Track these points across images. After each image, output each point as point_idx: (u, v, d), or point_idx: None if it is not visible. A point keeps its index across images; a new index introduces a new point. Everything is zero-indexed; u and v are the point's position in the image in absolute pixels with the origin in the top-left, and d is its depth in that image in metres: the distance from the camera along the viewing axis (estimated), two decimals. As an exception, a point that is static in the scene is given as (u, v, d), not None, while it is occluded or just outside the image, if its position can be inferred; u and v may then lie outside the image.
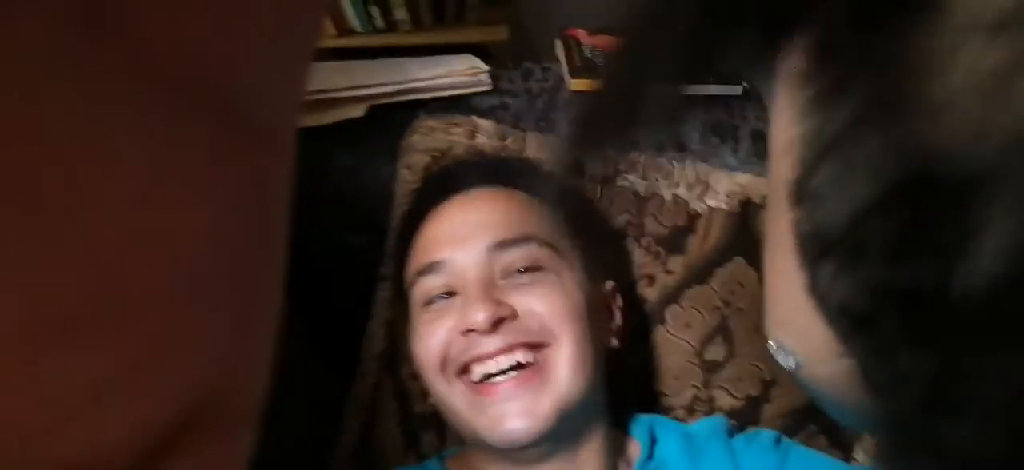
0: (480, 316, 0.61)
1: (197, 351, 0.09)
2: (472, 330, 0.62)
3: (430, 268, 0.66)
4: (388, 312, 0.79)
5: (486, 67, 0.90)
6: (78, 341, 0.07)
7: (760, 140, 0.93)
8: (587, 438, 0.66)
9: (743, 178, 0.85)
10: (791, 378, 0.34)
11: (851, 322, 0.24)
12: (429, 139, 0.83)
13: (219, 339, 0.09)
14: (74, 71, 0.07)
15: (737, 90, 0.93)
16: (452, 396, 0.64)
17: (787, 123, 0.25)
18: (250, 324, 0.10)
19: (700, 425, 0.75)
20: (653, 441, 0.71)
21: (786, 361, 0.33)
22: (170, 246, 0.08)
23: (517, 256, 0.65)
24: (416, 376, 0.78)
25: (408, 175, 0.83)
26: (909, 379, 0.22)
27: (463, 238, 0.67)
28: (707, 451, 0.71)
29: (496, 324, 0.62)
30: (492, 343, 0.62)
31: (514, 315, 0.63)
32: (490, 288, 0.64)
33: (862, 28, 0.20)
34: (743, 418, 0.80)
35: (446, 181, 0.74)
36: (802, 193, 0.24)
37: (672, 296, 0.83)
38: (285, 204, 0.10)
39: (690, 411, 0.81)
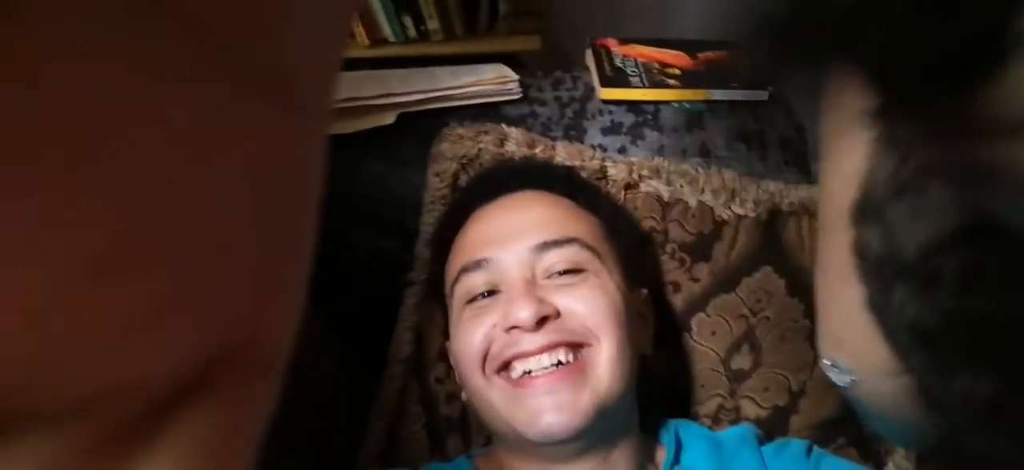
0: (524, 313, 0.62)
1: (227, 294, 0.10)
2: (516, 327, 0.63)
3: (474, 266, 0.67)
4: (416, 317, 0.80)
5: (516, 76, 0.91)
6: (121, 273, 0.08)
7: (788, 148, 0.93)
8: (619, 441, 0.67)
9: (771, 185, 0.85)
10: (841, 392, 0.35)
11: (917, 340, 0.25)
12: (458, 146, 0.85)
13: (247, 287, 0.10)
14: (117, 26, 0.08)
15: (763, 96, 0.93)
16: (490, 391, 0.64)
17: (848, 155, 0.26)
18: (278, 281, 0.11)
19: (729, 432, 0.74)
20: (679, 445, 0.71)
21: (840, 378, 0.34)
22: (205, 195, 0.09)
23: (559, 257, 0.66)
24: (441, 380, 0.80)
25: (437, 182, 0.84)
26: (966, 398, 0.23)
27: (507, 238, 0.68)
28: (736, 457, 0.71)
29: (540, 322, 0.62)
30: (534, 341, 0.62)
31: (557, 314, 0.64)
32: (533, 287, 0.65)
33: (936, 84, 0.21)
34: (770, 428, 0.80)
35: (490, 183, 0.75)
36: (871, 217, 0.26)
37: (698, 304, 0.83)
38: (318, 177, 0.11)
39: (716, 420, 0.81)
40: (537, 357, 0.62)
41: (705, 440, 0.72)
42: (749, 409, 0.81)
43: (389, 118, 0.86)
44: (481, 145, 0.85)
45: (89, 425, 0.09)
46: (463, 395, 0.72)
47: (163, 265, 0.09)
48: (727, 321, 0.82)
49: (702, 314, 0.82)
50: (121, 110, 0.08)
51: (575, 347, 0.64)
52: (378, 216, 0.85)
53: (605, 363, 0.63)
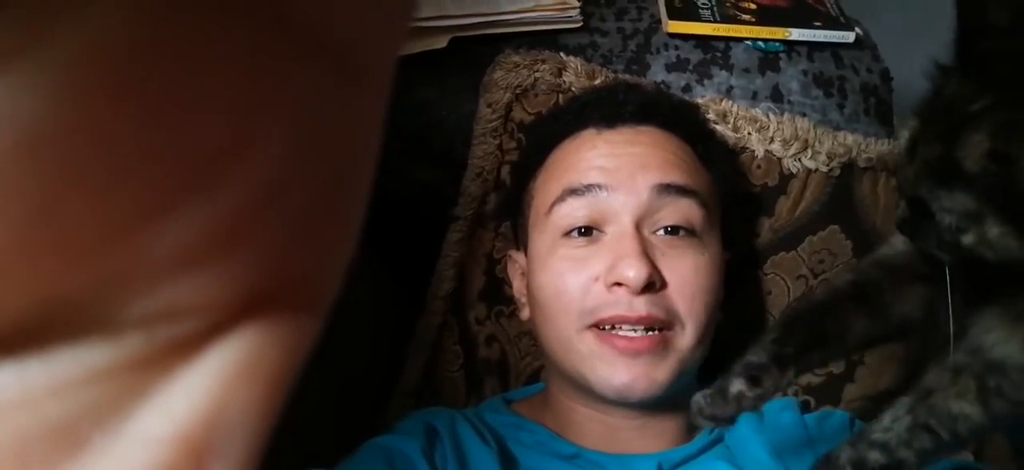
0: (633, 273, 0.58)
1: (278, 237, 0.11)
2: (620, 284, 0.59)
3: (583, 190, 0.62)
4: (458, 253, 0.78)
5: (577, 3, 0.85)
6: (188, 210, 0.10)
7: (870, 96, 0.85)
8: (679, 403, 0.65)
9: (848, 138, 0.78)
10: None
11: None
12: (512, 75, 0.80)
13: (297, 232, 0.11)
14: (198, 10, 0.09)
15: (849, 37, 0.85)
16: (578, 342, 0.61)
17: None
18: (328, 229, 0.11)
19: (769, 403, 0.71)
20: None
21: None
22: (261, 146, 0.10)
23: (675, 210, 0.62)
24: (481, 321, 0.78)
25: (488, 112, 0.80)
26: None
27: (626, 170, 0.63)
28: (779, 419, 0.68)
29: (645, 288, 0.59)
30: (635, 308, 0.59)
31: (663, 284, 0.61)
32: (644, 242, 0.61)
33: None
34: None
35: (612, 106, 0.68)
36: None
37: (754, 260, 0.78)
38: (374, 138, 0.11)
39: (765, 382, 0.78)
40: (633, 325, 0.60)
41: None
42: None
43: (441, 42, 0.82)
44: (537, 74, 0.80)
45: (144, 338, 0.10)
46: (524, 313, 0.70)
47: (221, 205, 0.10)
48: (784, 280, 0.77)
49: (758, 271, 0.78)
50: (196, 76, 0.09)
51: (666, 323, 0.61)
52: (425, 145, 0.82)
53: (686, 348, 0.62)
